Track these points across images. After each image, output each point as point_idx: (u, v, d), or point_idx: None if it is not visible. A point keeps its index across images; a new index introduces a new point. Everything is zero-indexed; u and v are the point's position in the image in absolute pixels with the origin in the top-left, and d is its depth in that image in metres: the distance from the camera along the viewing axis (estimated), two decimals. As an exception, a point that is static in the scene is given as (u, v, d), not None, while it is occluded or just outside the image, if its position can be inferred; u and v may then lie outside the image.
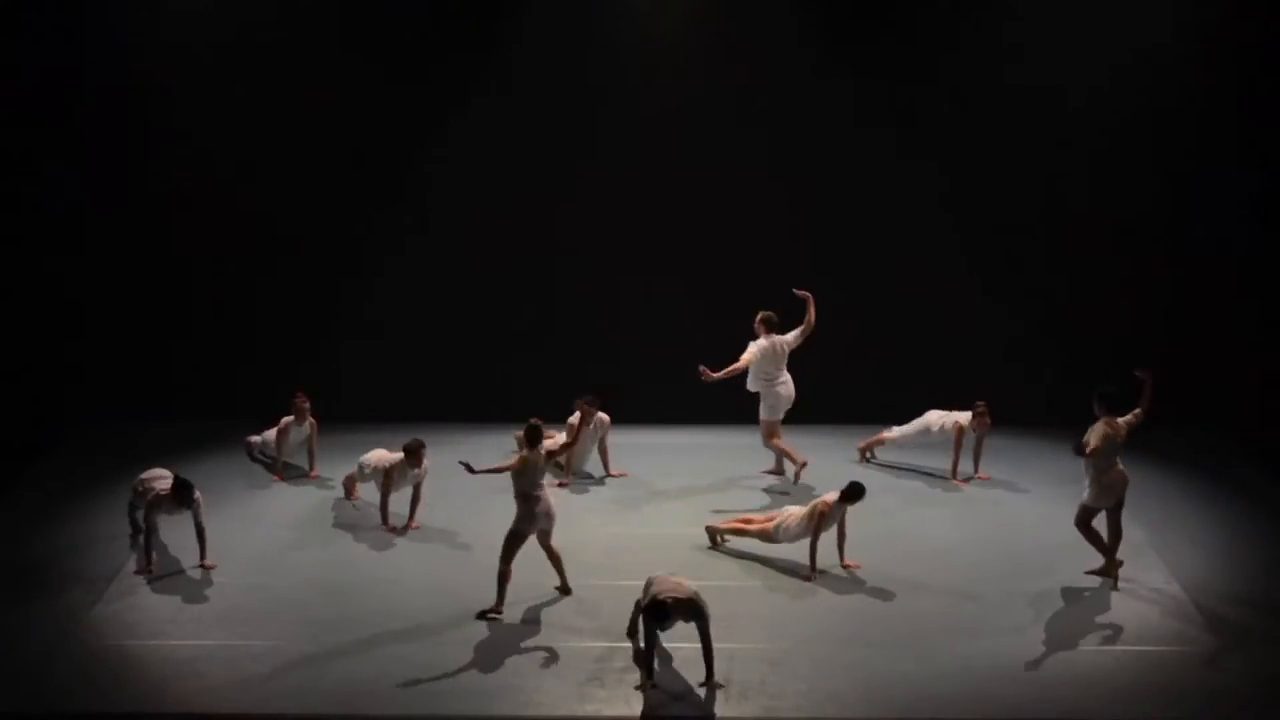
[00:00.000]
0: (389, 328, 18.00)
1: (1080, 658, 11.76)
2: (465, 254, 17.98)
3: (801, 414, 17.22)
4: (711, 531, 14.07)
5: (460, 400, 17.53)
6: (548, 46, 17.63)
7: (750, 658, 11.72)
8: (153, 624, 12.37)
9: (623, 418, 16.46)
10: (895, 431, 16.31)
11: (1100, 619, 12.45)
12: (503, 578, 12.56)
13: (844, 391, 17.49)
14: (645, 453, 16.49)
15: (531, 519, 12.66)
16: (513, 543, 12.64)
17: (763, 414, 15.74)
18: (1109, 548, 13.22)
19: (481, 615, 12.48)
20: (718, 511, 14.47)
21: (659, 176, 17.81)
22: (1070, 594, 12.93)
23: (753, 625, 12.29)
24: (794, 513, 13.65)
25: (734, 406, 17.33)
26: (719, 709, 11.07)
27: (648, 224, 17.87)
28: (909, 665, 11.64)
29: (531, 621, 12.37)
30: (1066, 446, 16.72)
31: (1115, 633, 12.21)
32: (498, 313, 18.04)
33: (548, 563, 13.52)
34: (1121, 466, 13.18)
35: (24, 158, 17.48)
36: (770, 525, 13.70)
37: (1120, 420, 13.18)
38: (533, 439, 12.72)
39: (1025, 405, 17.46)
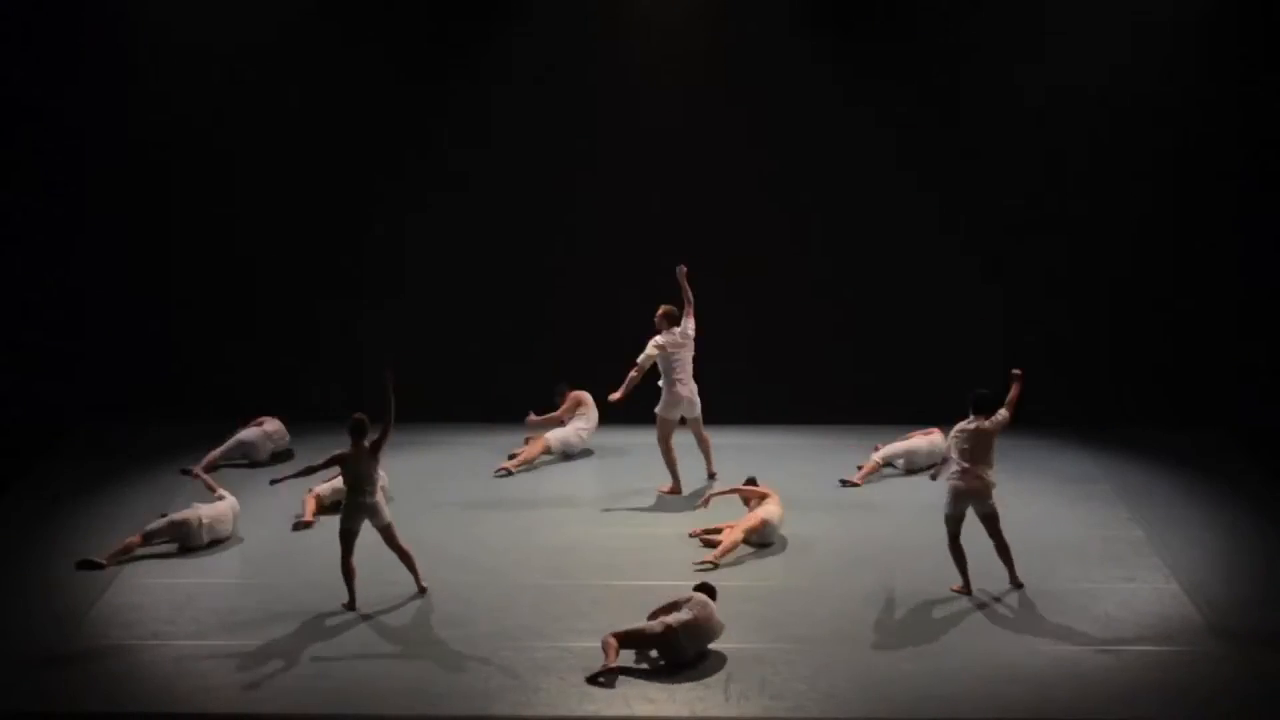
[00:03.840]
0: (390, 329, 17.97)
1: (1080, 658, 11.76)
2: (464, 254, 17.97)
3: (801, 414, 17.33)
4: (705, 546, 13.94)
5: (459, 402, 17.55)
6: (549, 44, 17.63)
7: (750, 658, 11.72)
8: (153, 624, 12.37)
9: (624, 418, 16.45)
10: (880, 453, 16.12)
11: (1100, 619, 12.43)
12: (347, 573, 12.59)
13: (839, 393, 17.55)
14: (646, 453, 16.49)
15: (357, 513, 12.66)
16: (345, 540, 12.64)
17: (659, 410, 15.21)
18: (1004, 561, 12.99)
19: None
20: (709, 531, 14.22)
21: (659, 176, 17.80)
22: (1070, 594, 12.92)
23: (753, 625, 12.28)
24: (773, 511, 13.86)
25: (735, 406, 17.37)
26: (719, 709, 11.07)
27: (647, 224, 17.84)
28: (909, 665, 11.64)
29: (530, 622, 12.36)
30: (1066, 446, 16.86)
31: (1115, 633, 12.20)
32: (496, 313, 18.02)
33: (546, 564, 13.54)
34: (984, 473, 12.78)
35: (23, 156, 17.49)
36: (758, 525, 13.76)
37: (989, 422, 12.75)
38: (356, 432, 12.67)
39: (1025, 405, 17.47)
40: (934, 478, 13.43)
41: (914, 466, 15.84)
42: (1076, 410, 17.61)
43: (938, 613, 12.61)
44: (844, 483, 15.66)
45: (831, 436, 17.15)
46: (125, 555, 13.50)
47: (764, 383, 17.75)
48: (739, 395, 17.50)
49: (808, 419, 17.51)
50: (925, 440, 15.96)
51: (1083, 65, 17.42)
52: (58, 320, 17.71)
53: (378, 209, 17.92)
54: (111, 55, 17.46)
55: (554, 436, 16.42)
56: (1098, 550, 13.91)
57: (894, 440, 16.13)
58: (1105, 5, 17.39)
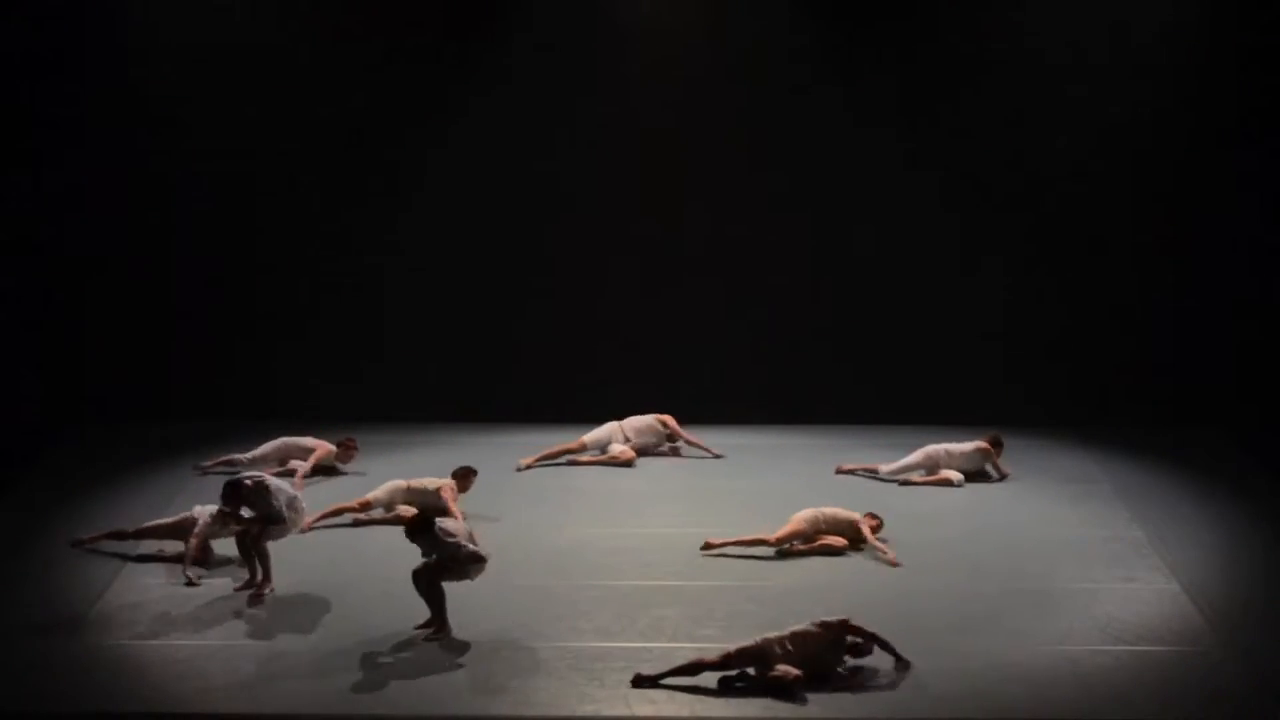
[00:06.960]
0: (389, 329, 17.99)
1: (1080, 658, 11.75)
2: (461, 255, 17.96)
3: (801, 414, 17.33)
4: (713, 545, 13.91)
5: (459, 402, 17.56)
6: (550, 43, 17.62)
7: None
8: (153, 624, 12.37)
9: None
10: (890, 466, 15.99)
11: (1100, 619, 12.42)
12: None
13: (838, 393, 17.55)
14: (647, 454, 16.51)
15: None
16: None
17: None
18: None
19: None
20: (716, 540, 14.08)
21: (657, 177, 17.81)
22: (1070, 594, 12.92)
23: (753, 625, 12.25)
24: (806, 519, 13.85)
25: (735, 406, 17.38)
26: (719, 709, 11.06)
27: (645, 224, 17.86)
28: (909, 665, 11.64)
29: (530, 622, 12.36)
30: (1066, 446, 16.85)
31: (1115, 633, 12.20)
32: (496, 314, 18.02)
33: (546, 564, 13.55)
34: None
35: (21, 155, 17.48)
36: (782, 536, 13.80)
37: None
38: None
39: (1025, 405, 17.48)
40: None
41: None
42: (1076, 410, 17.61)
43: (938, 613, 12.60)
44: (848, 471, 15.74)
45: (832, 437, 17.14)
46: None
47: (764, 383, 17.75)
48: (739, 395, 17.53)
49: (808, 419, 17.50)
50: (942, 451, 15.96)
51: (1083, 63, 17.42)
52: (57, 320, 17.70)
53: (378, 209, 17.89)
54: (111, 54, 17.45)
55: (590, 437, 16.40)
56: (1098, 550, 13.90)
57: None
58: (1104, 7, 17.42)
